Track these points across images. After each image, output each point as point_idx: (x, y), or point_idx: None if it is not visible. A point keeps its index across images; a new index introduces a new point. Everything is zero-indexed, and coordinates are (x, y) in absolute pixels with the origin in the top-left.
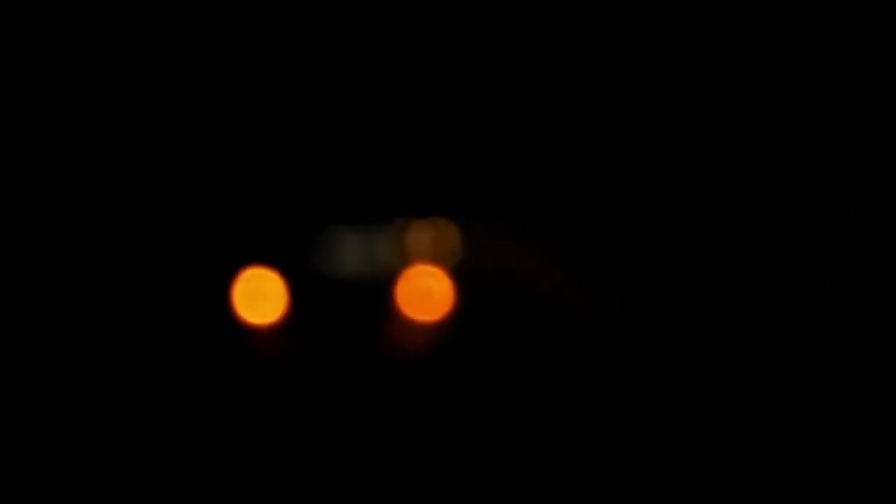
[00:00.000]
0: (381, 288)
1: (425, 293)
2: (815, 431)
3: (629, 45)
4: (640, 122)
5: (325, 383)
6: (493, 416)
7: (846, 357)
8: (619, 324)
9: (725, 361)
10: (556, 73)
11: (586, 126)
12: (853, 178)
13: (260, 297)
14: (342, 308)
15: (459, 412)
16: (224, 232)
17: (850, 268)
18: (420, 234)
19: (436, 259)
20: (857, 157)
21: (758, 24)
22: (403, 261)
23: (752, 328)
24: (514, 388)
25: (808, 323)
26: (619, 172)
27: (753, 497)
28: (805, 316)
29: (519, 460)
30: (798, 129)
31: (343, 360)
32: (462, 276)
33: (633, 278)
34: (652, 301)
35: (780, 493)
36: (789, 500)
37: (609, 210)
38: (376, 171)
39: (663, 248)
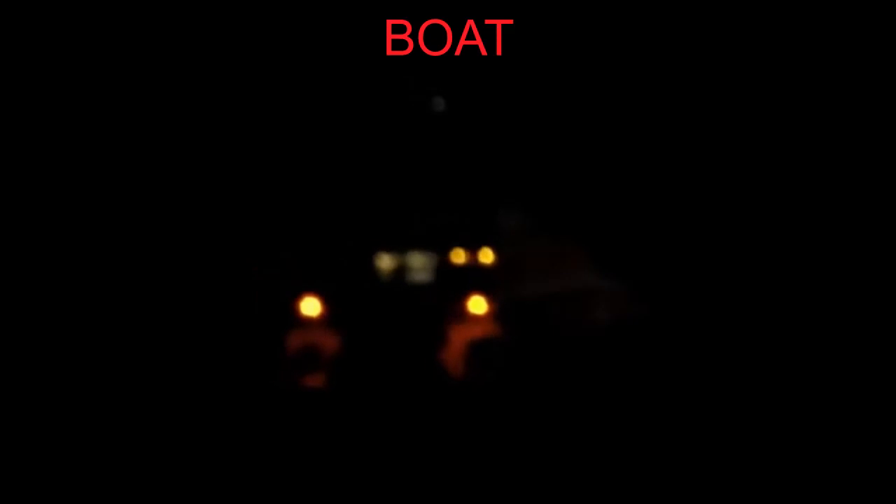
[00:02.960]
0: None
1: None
2: (816, 431)
3: (655, 62)
4: (651, 132)
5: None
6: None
7: (846, 356)
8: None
9: (740, 359)
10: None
11: (611, 144)
12: (853, 177)
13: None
14: (381, 307)
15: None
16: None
17: (849, 268)
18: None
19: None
20: (857, 157)
21: (761, 25)
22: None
23: (768, 328)
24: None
25: (810, 322)
26: (629, 180)
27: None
28: (806, 315)
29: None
30: (798, 129)
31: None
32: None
33: (639, 275)
34: (658, 295)
35: (783, 492)
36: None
37: (619, 213)
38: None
39: (670, 246)
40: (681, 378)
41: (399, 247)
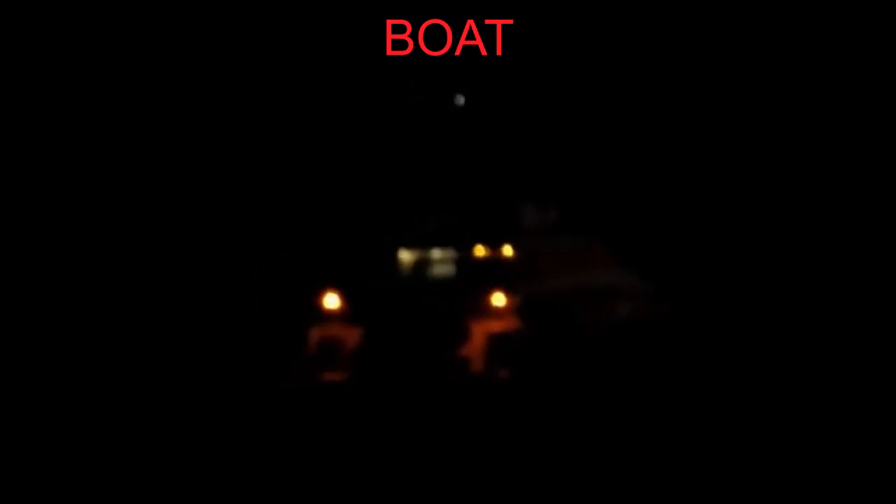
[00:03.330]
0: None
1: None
2: (836, 429)
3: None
4: (671, 131)
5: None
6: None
7: (869, 360)
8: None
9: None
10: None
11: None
12: (853, 178)
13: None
14: (402, 302)
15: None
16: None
17: (849, 268)
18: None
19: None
20: (857, 157)
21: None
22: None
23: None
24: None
25: (831, 323)
26: (650, 178)
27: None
28: (828, 316)
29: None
30: (823, 130)
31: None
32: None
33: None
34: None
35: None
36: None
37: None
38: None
39: (692, 244)
40: (701, 376)
41: (420, 242)
